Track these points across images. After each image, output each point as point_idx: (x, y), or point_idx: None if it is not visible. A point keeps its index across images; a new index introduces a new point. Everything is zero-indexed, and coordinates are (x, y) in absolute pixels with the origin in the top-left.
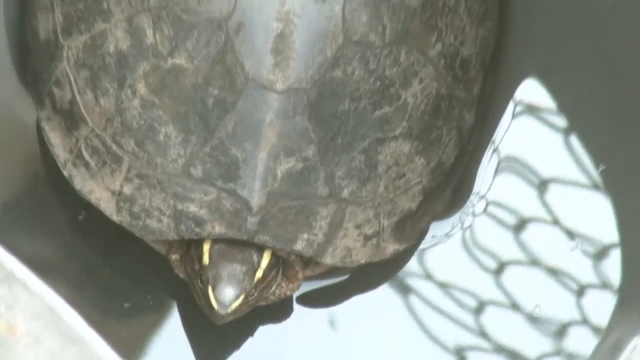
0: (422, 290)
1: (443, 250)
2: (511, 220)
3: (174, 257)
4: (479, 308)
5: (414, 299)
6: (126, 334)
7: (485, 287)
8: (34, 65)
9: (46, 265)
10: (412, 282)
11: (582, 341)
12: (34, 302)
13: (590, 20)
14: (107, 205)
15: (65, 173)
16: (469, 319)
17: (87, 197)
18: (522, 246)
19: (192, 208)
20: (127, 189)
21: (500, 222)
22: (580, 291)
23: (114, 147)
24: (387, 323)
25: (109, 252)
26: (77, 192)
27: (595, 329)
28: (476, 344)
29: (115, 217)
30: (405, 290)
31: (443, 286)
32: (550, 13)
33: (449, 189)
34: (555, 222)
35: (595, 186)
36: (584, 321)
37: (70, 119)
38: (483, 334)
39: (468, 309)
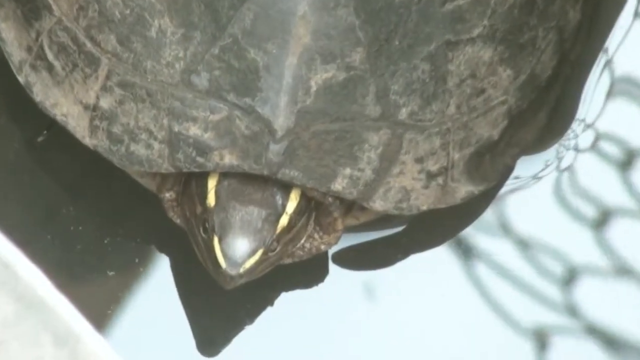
0: (496, 251)
1: (529, 196)
2: (623, 156)
3: (168, 195)
4: (570, 277)
5: (484, 263)
6: (101, 298)
7: (582, 248)
8: None
9: None
10: (485, 239)
11: None
12: None
13: None
14: (77, 124)
15: (21, 79)
16: (555, 292)
17: (49, 112)
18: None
19: (194, 130)
20: (105, 102)
21: (612, 161)
22: None
23: (89, 44)
24: (449, 295)
25: (79, 189)
26: (36, 105)
27: None
28: (564, 324)
29: (88, 140)
30: (474, 250)
31: (523, 246)
32: None
33: (544, 111)
34: None
35: None
36: None
37: (30, 5)
38: (573, 312)
39: (555, 278)
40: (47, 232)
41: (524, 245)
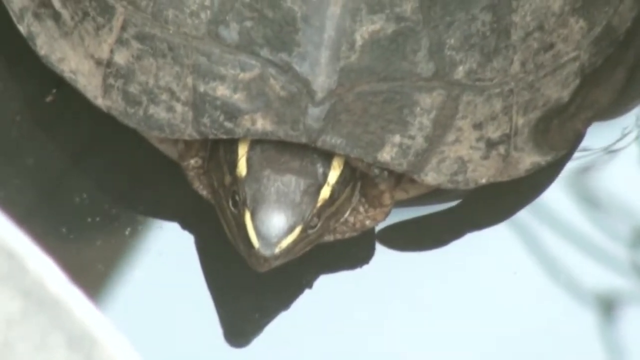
0: (564, 235)
1: (602, 170)
2: None
3: (193, 162)
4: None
5: (554, 245)
6: (120, 294)
7: None
8: None
9: None
10: (552, 218)
11: None
12: None
13: None
14: (88, 82)
15: (23, 29)
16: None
17: (56, 68)
18: None
19: (222, 90)
20: (121, 57)
21: None
22: None
23: None
24: (508, 274)
25: (90, 156)
26: (41, 60)
27: None
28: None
29: (100, 101)
30: (540, 230)
31: (594, 225)
32: None
33: (622, 69)
34: None
35: None
36: None
37: None
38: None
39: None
40: (59, 223)
41: (591, 206)
